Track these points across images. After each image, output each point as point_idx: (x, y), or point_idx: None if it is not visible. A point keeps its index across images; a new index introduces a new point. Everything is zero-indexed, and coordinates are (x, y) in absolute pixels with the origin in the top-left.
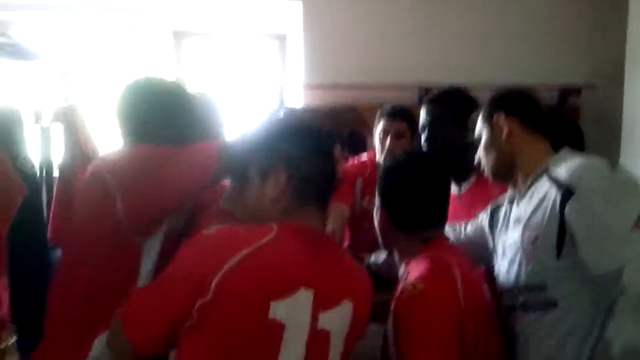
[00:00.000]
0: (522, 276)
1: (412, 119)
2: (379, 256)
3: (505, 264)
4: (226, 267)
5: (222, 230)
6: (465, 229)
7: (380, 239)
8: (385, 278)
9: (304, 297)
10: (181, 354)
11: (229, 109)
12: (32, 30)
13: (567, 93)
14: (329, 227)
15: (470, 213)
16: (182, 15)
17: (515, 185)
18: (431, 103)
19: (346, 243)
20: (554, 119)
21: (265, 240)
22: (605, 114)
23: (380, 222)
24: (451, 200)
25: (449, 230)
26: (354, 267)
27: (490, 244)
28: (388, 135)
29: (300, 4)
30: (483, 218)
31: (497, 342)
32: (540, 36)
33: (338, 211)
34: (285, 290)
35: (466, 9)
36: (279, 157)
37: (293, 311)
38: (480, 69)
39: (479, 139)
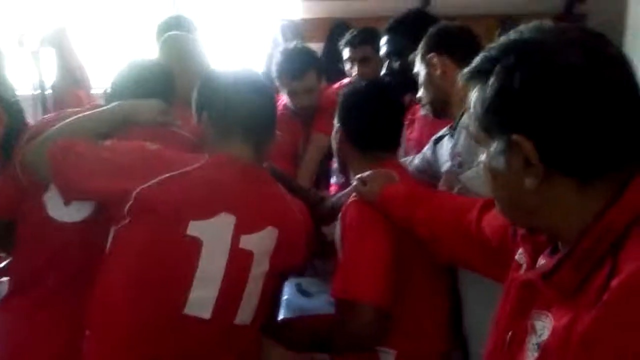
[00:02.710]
0: None
1: (377, 41)
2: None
3: None
4: (147, 183)
5: (161, 151)
6: (413, 161)
7: (337, 161)
8: None
9: (224, 221)
10: (113, 249)
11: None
12: None
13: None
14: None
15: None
16: None
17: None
18: (390, 32)
19: (334, 165)
20: None
21: (192, 166)
22: (610, 21)
23: (338, 141)
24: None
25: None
26: (284, 199)
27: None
28: (354, 62)
29: None
30: (427, 150)
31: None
32: None
33: (316, 141)
34: (205, 212)
35: None
36: (202, 101)
37: (212, 231)
38: None
39: (417, 75)
